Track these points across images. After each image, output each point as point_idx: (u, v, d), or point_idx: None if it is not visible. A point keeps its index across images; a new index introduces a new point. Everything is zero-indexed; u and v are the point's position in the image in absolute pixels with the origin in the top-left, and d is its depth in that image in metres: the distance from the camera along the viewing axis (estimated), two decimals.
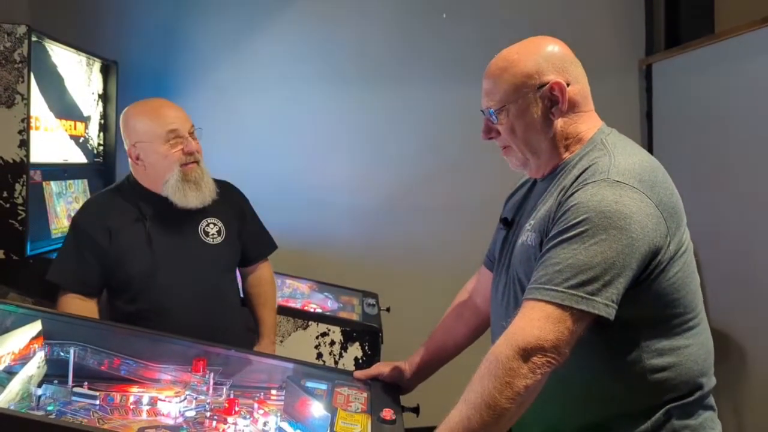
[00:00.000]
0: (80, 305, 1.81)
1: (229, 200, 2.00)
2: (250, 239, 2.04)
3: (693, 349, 1.19)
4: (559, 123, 1.23)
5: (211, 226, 1.92)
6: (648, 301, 1.13)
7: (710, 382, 1.23)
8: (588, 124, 1.26)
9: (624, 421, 1.18)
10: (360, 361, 2.27)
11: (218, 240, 1.92)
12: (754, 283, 2.60)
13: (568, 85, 1.22)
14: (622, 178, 1.12)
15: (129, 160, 1.90)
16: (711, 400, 1.24)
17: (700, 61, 2.95)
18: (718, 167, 2.80)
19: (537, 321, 1.07)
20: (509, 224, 1.36)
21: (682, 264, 1.17)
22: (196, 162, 1.87)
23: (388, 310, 2.60)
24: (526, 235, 1.22)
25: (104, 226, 1.84)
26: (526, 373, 1.05)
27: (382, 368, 1.58)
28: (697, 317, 1.21)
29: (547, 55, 1.23)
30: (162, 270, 1.84)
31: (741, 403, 2.68)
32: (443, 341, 1.55)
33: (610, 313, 1.07)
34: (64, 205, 2.47)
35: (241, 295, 2.09)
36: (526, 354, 1.05)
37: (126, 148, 1.90)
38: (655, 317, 1.16)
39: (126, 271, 1.84)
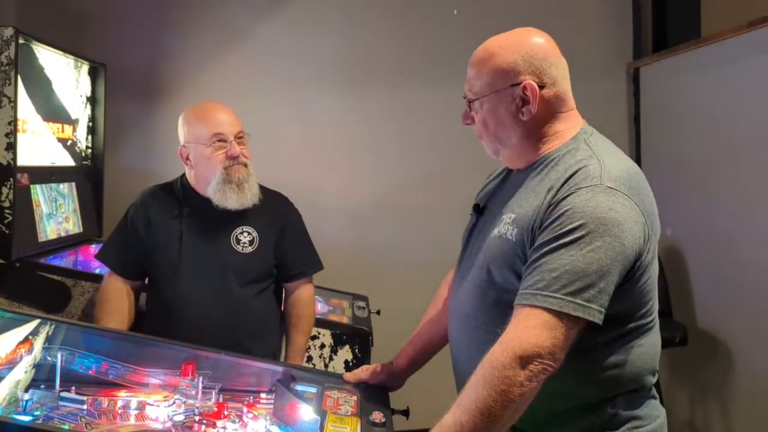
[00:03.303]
0: (117, 286, 1.92)
1: (273, 211, 1.98)
2: (289, 255, 1.99)
3: (645, 348, 1.21)
4: (530, 122, 1.24)
5: (245, 234, 1.91)
6: (618, 303, 1.14)
7: (654, 378, 1.26)
8: (567, 123, 1.26)
9: (572, 415, 1.20)
10: (350, 363, 2.27)
11: (249, 249, 1.90)
12: (740, 285, 2.62)
13: (542, 87, 1.22)
14: (614, 185, 1.12)
15: (178, 159, 1.94)
16: (654, 391, 1.26)
17: (687, 65, 2.98)
18: (705, 170, 2.83)
19: (534, 328, 1.07)
20: (480, 211, 1.37)
21: (652, 270, 1.19)
22: (242, 165, 1.88)
23: (378, 313, 2.60)
24: (505, 228, 1.21)
25: (146, 216, 1.92)
26: (523, 381, 1.05)
27: (370, 375, 1.57)
28: (654, 319, 1.23)
29: (526, 54, 1.23)
30: (184, 269, 1.87)
31: (728, 403, 2.70)
32: (429, 336, 1.54)
33: (601, 319, 1.08)
34: (51, 208, 2.45)
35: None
36: (524, 362, 1.05)
37: (179, 149, 1.94)
38: (619, 318, 1.17)
39: (155, 264, 1.90)
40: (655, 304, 1.23)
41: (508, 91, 1.23)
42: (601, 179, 1.13)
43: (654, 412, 1.24)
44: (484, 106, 1.26)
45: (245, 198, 1.87)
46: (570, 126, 1.26)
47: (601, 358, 1.17)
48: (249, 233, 1.92)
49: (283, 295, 2.06)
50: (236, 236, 1.91)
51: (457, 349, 1.33)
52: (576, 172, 1.16)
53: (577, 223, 1.10)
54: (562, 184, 1.16)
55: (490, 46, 1.27)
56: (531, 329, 1.07)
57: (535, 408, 1.17)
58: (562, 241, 1.10)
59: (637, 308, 1.19)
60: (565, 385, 1.17)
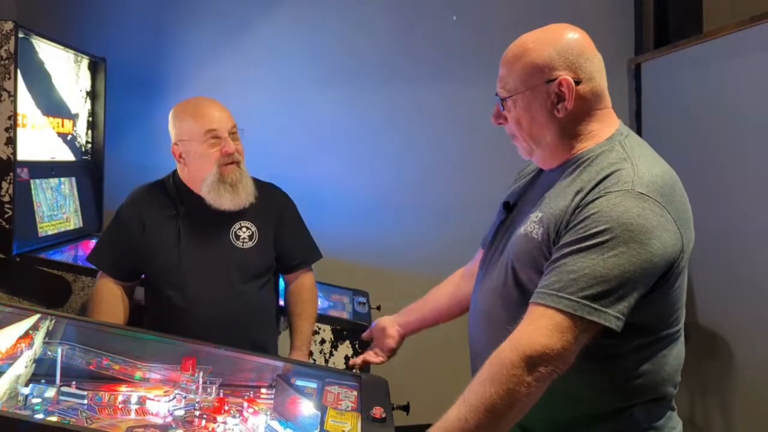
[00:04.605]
0: (111, 288, 1.89)
1: (269, 204, 1.97)
2: (289, 246, 1.99)
3: (668, 359, 1.19)
4: (566, 120, 1.20)
5: (244, 229, 1.90)
6: (647, 312, 1.12)
7: (675, 389, 1.23)
8: (602, 122, 1.22)
9: (589, 421, 1.18)
10: (351, 359, 2.27)
11: (249, 244, 1.89)
12: (742, 282, 2.62)
13: (578, 83, 1.19)
14: (646, 191, 1.09)
15: (174, 157, 1.92)
16: (673, 402, 1.25)
17: (688, 61, 2.97)
18: (706, 166, 2.82)
19: (545, 329, 1.05)
20: (510, 209, 1.34)
21: (682, 278, 1.17)
22: (236, 163, 1.86)
23: (378, 308, 2.59)
24: (531, 227, 1.19)
25: (140, 218, 1.89)
26: (530, 381, 1.04)
27: (375, 358, 1.61)
28: (680, 330, 1.21)
29: (561, 49, 1.19)
30: (186, 269, 1.85)
31: (728, 401, 2.70)
32: (437, 310, 1.57)
33: (619, 325, 1.06)
34: (51, 203, 2.45)
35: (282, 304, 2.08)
36: (532, 362, 1.04)
37: (171, 146, 1.91)
38: (646, 327, 1.15)
39: (153, 265, 1.87)
40: (682, 315, 1.20)
41: (543, 87, 1.19)
42: (632, 184, 1.10)
43: (671, 423, 1.22)
44: (518, 104, 1.22)
45: (240, 199, 1.85)
46: (605, 125, 1.22)
47: (625, 366, 1.16)
48: (248, 228, 1.90)
49: (284, 286, 2.06)
50: (235, 232, 1.89)
51: (477, 346, 1.31)
52: (608, 175, 1.13)
53: (602, 227, 1.07)
54: (593, 187, 1.13)
55: (523, 42, 1.23)
56: (542, 329, 1.05)
57: (553, 412, 1.17)
58: (585, 244, 1.08)
59: (666, 317, 1.17)
60: (585, 391, 1.16)
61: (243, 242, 1.89)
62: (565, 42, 1.20)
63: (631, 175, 1.12)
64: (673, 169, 1.20)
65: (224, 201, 1.84)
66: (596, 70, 1.22)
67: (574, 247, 1.09)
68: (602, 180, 1.13)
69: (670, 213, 1.10)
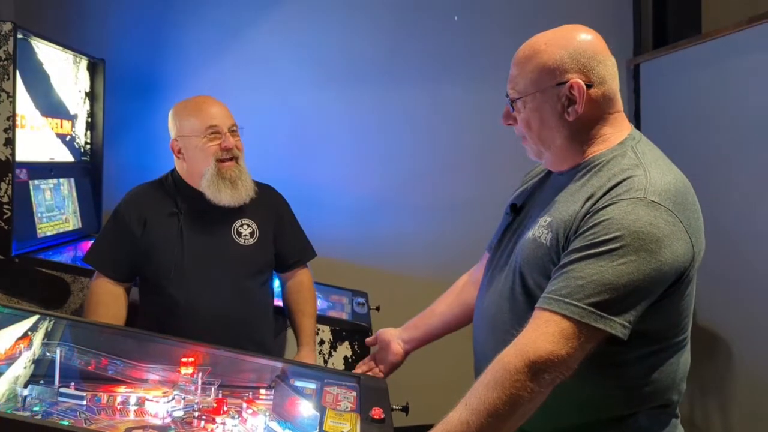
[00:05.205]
0: (109, 289, 1.87)
1: (268, 203, 1.99)
2: (287, 244, 2.02)
3: (674, 367, 1.18)
4: (576, 123, 1.19)
5: (245, 227, 1.91)
6: (656, 320, 1.12)
7: (680, 397, 1.23)
8: (614, 126, 1.21)
9: (593, 427, 1.18)
10: (350, 360, 2.27)
11: (250, 241, 1.91)
12: (741, 282, 2.62)
13: (590, 86, 1.17)
14: (658, 199, 1.08)
15: (172, 154, 1.93)
16: (677, 409, 1.24)
17: (687, 61, 2.97)
18: (705, 166, 2.82)
19: (551, 335, 1.04)
20: (517, 211, 1.33)
21: (692, 287, 1.16)
22: (234, 159, 1.88)
23: (377, 309, 2.59)
24: (540, 231, 1.18)
25: (140, 216, 1.88)
26: (533, 387, 1.04)
27: (378, 369, 1.60)
28: (687, 337, 1.21)
29: (573, 51, 1.17)
30: (189, 266, 1.85)
31: (728, 401, 2.70)
32: (443, 322, 1.56)
33: (625, 334, 1.05)
34: (50, 204, 2.45)
35: (279, 303, 2.09)
36: (536, 368, 1.03)
37: (170, 142, 1.93)
38: (655, 335, 1.14)
39: (154, 263, 1.86)
40: (689, 323, 1.19)
41: (553, 89, 1.17)
42: (645, 192, 1.08)
43: (673, 430, 1.22)
44: (528, 106, 1.21)
45: (239, 195, 1.87)
46: (617, 129, 1.21)
47: (631, 374, 1.15)
48: (249, 225, 1.92)
49: (281, 285, 2.07)
50: (237, 229, 1.90)
51: (482, 350, 1.30)
52: (620, 182, 1.12)
53: (612, 235, 1.06)
54: (604, 194, 1.12)
55: (535, 43, 1.21)
56: (548, 336, 1.04)
57: (557, 418, 1.16)
58: (594, 251, 1.06)
59: (673, 325, 1.16)
60: (590, 397, 1.16)
61: (245, 239, 1.90)
62: (577, 44, 1.18)
63: (644, 182, 1.10)
64: (684, 176, 1.18)
65: (224, 197, 1.85)
66: (609, 74, 1.20)
67: (583, 254, 1.07)
68: (614, 186, 1.12)
69: (682, 222, 1.09)
